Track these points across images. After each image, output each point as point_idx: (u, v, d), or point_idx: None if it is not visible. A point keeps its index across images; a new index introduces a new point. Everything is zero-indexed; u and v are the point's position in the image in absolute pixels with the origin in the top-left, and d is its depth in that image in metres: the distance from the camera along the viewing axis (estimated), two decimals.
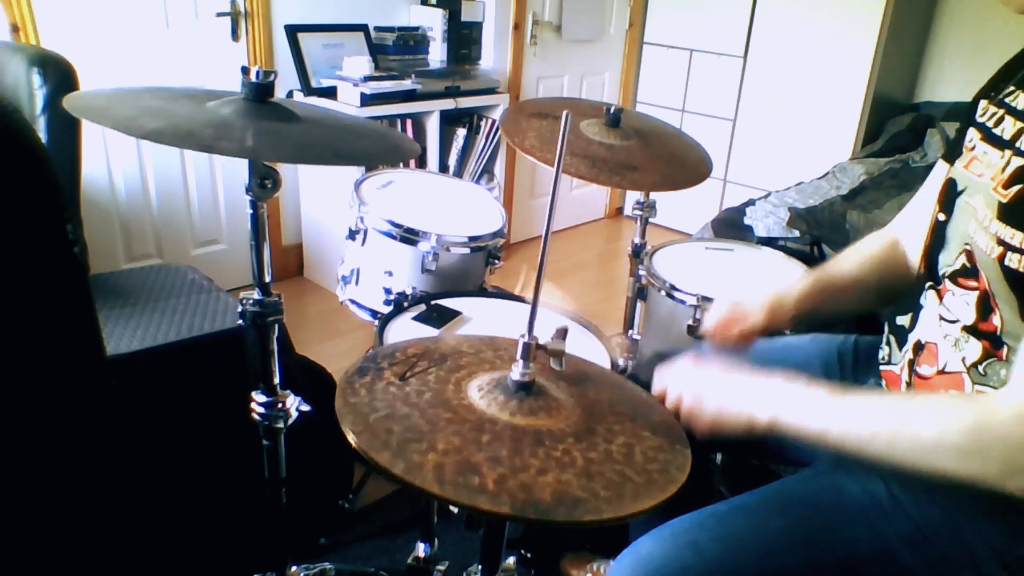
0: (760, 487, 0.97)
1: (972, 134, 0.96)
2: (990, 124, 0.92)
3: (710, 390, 0.89)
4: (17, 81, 1.62)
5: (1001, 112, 0.91)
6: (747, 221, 2.48)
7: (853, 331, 1.20)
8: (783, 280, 1.15)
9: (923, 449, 0.76)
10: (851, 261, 1.15)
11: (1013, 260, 0.81)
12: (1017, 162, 0.84)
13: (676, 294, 1.67)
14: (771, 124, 3.63)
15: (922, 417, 0.77)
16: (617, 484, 0.72)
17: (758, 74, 3.62)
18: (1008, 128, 0.89)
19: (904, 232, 1.14)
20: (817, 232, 2.38)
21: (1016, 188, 0.82)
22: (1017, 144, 0.86)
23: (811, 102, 3.47)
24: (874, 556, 0.88)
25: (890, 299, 1.10)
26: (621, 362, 1.01)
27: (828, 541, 0.89)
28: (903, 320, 1.01)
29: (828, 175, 2.97)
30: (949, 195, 0.96)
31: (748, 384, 0.89)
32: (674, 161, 1.60)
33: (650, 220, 1.81)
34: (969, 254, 0.89)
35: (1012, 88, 0.93)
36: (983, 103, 0.97)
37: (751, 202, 2.62)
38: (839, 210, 2.49)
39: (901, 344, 1.00)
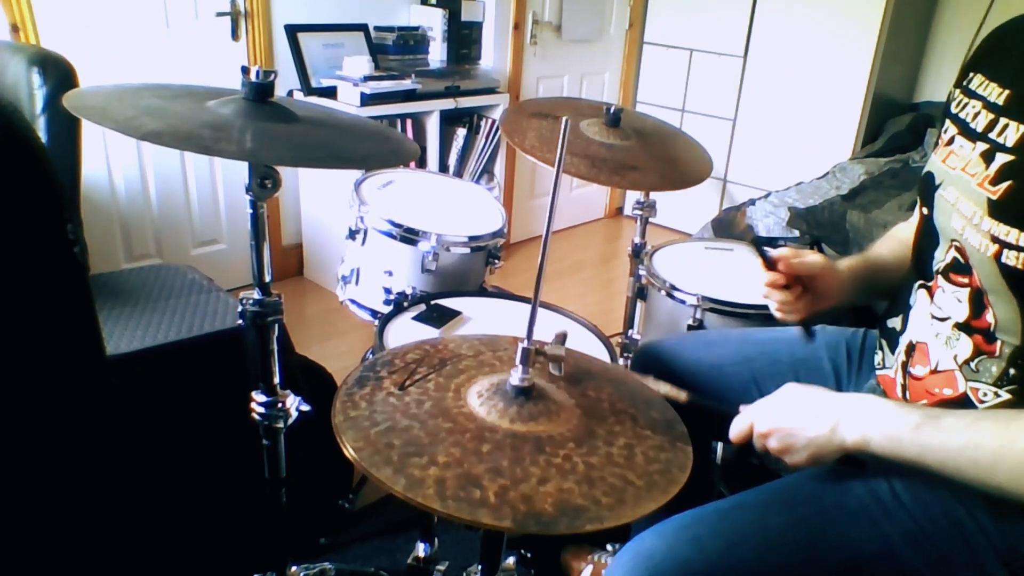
0: (761, 485, 0.97)
1: (949, 127, 0.95)
2: (966, 117, 0.91)
3: (793, 426, 0.88)
4: (17, 81, 1.62)
5: (977, 104, 0.90)
6: (747, 221, 2.48)
7: (850, 323, 1.19)
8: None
9: None
10: (891, 245, 1.15)
11: (1011, 257, 0.80)
12: (1003, 158, 0.83)
13: (676, 294, 1.67)
14: (771, 124, 3.63)
15: (1022, 443, 0.75)
16: (618, 489, 0.72)
17: (758, 74, 3.62)
18: (981, 120, 0.88)
19: None
20: (817, 232, 2.38)
21: (1005, 184, 0.81)
22: (991, 136, 0.85)
23: (811, 102, 3.46)
24: (876, 554, 0.88)
25: None
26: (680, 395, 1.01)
27: (829, 538, 0.89)
28: (894, 323, 1.01)
29: (828, 175, 2.97)
30: (927, 189, 0.96)
31: (830, 404, 0.87)
32: (674, 161, 1.60)
33: (650, 220, 1.81)
34: (960, 250, 0.88)
35: (982, 77, 0.92)
36: (956, 93, 0.96)
37: (751, 202, 2.62)
38: (839, 210, 2.49)
39: (893, 347, 1.00)
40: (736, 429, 0.94)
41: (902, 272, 1.10)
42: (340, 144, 1.09)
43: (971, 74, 0.94)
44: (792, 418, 0.88)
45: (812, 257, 1.08)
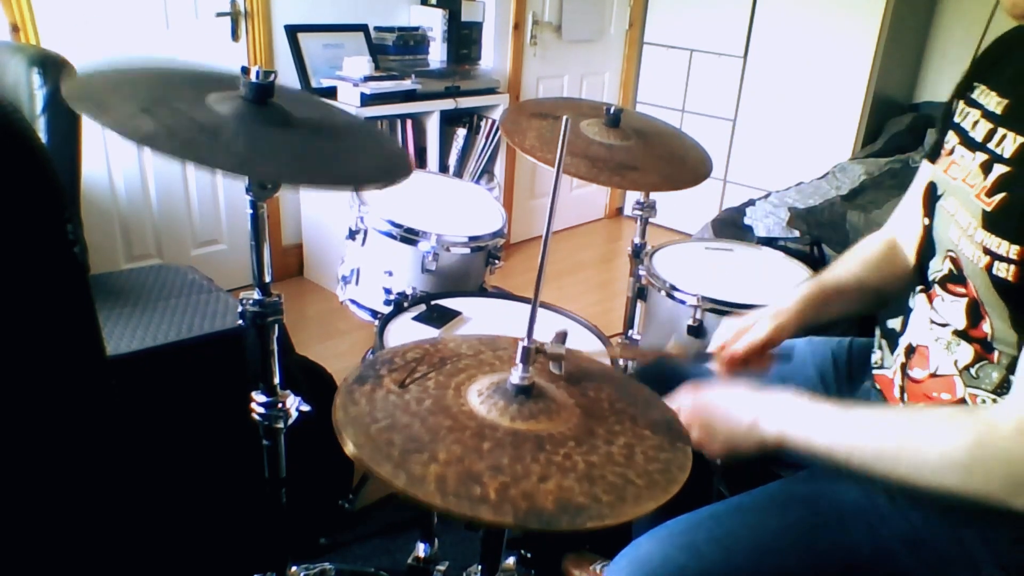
0: (758, 488, 0.97)
1: (951, 137, 0.94)
2: (967, 126, 0.91)
3: (714, 416, 0.88)
4: (17, 81, 1.62)
5: (976, 113, 0.90)
6: (747, 221, 2.48)
7: (852, 333, 1.19)
8: (782, 292, 1.13)
9: (927, 467, 0.74)
10: (850, 264, 1.14)
11: (1001, 269, 0.80)
12: (999, 169, 0.82)
13: (676, 294, 1.67)
14: (771, 124, 3.63)
15: (925, 434, 0.75)
16: (618, 487, 0.72)
17: (758, 74, 3.62)
18: (981, 130, 0.88)
19: (900, 232, 1.13)
20: (817, 232, 2.38)
21: (1000, 196, 0.81)
22: (989, 146, 0.85)
23: (811, 102, 3.46)
24: (872, 558, 0.88)
25: (893, 299, 1.08)
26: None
27: (826, 543, 0.89)
28: (894, 324, 1.01)
29: (828, 175, 2.97)
30: (930, 199, 0.96)
31: (752, 401, 0.88)
32: (674, 161, 1.60)
33: (650, 220, 1.82)
34: (955, 261, 0.88)
35: (983, 87, 0.92)
36: (959, 103, 0.95)
37: (751, 202, 2.62)
38: (839, 210, 2.49)
39: (893, 347, 0.99)
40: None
41: (861, 294, 1.10)
42: (337, 160, 1.08)
43: (974, 84, 0.94)
44: (714, 411, 0.89)
45: (756, 330, 1.07)
